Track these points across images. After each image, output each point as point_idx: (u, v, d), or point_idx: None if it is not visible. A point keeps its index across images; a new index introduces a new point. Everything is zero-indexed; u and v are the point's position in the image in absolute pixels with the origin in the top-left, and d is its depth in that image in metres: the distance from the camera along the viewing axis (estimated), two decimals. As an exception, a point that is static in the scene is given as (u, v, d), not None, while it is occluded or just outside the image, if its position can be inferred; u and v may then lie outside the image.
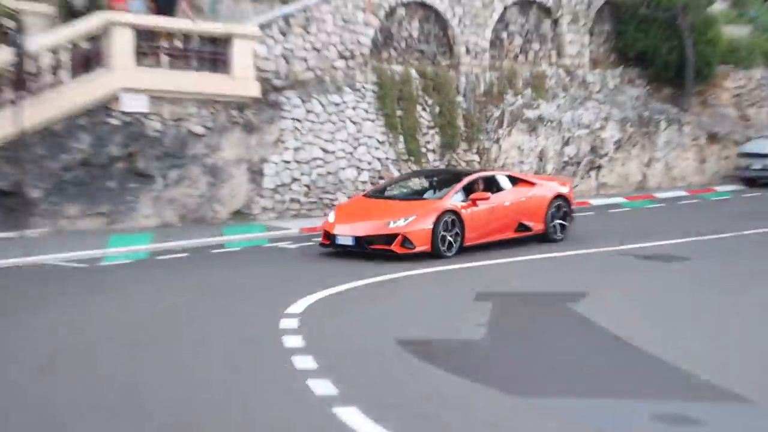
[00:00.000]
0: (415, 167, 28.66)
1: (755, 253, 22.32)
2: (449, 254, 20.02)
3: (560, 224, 22.51)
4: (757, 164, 33.60)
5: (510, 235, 21.78)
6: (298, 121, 26.84)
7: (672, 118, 34.31)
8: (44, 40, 23.75)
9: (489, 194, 21.39)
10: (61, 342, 14.04)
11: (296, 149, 26.80)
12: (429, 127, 29.10)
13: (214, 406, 11.10)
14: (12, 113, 22.32)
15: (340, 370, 12.16)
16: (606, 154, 32.69)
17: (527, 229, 21.79)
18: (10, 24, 23.58)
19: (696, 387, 11.76)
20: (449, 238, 20.10)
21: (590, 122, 32.20)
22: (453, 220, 20.17)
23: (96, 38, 24.10)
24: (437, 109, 29.22)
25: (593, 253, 21.91)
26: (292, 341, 13.76)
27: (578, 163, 32.05)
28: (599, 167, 32.56)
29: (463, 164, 29.52)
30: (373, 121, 28.15)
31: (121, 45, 23.89)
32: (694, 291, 17.98)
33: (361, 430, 9.71)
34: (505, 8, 31.10)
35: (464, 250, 20.47)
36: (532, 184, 22.66)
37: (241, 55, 25.72)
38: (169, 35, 25.30)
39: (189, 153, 25.08)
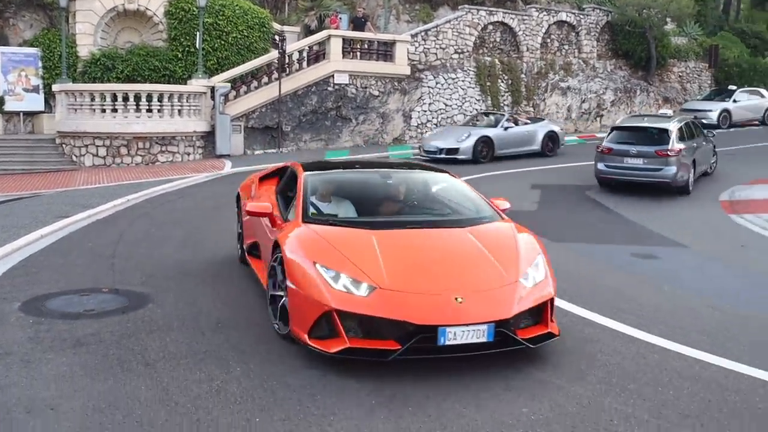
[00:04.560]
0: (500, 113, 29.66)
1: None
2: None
3: None
4: (690, 115, 33.10)
5: None
6: (431, 88, 27.61)
7: (643, 88, 34.31)
8: (294, 45, 25.24)
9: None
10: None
11: (429, 104, 27.57)
12: (505, 92, 29.57)
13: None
14: (277, 85, 23.86)
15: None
16: (605, 108, 32.92)
17: None
18: (277, 38, 24.45)
19: (656, 238, 12.40)
20: None
21: (597, 90, 32.59)
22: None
23: (321, 43, 25.26)
24: (509, 82, 29.68)
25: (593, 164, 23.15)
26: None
27: (590, 113, 32.45)
28: (602, 116, 32.83)
29: (524, 114, 29.48)
30: (473, 88, 28.67)
31: (335, 47, 25.09)
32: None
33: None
34: (549, 25, 31.19)
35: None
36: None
37: (400, 51, 26.52)
38: (361, 41, 26.20)
39: (370, 106, 26.20)
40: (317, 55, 25.46)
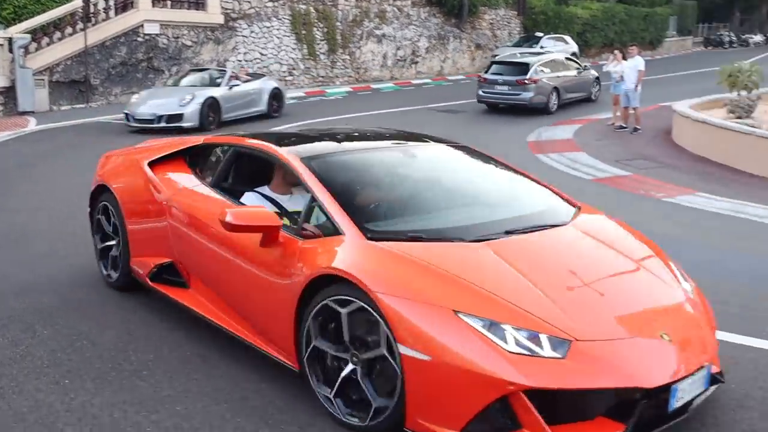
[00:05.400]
0: (313, 63, 29.15)
1: (500, 109, 22.31)
2: None
3: None
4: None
5: None
6: (246, 37, 27.34)
7: (456, 35, 35.32)
8: (99, -9, 24.10)
9: None
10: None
11: (245, 53, 27.33)
12: (321, 40, 29.64)
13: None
14: (82, 36, 22.87)
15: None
16: (420, 55, 33.73)
17: None
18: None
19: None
20: None
21: (411, 38, 33.24)
22: None
23: (128, -10, 24.32)
24: (325, 30, 29.77)
25: (415, 109, 22.53)
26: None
27: (405, 60, 33.07)
28: (417, 63, 33.62)
29: (340, 62, 30.60)
30: (289, 37, 28.59)
31: (144, -6, 24.31)
32: (467, 128, 18.84)
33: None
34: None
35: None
36: None
37: (213, -1, 26.14)
38: (171, -12, 25.43)
39: (183, 56, 25.51)
40: (125, 3, 24.42)
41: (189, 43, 25.76)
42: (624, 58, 18.88)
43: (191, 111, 18.10)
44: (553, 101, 22.13)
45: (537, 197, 5.64)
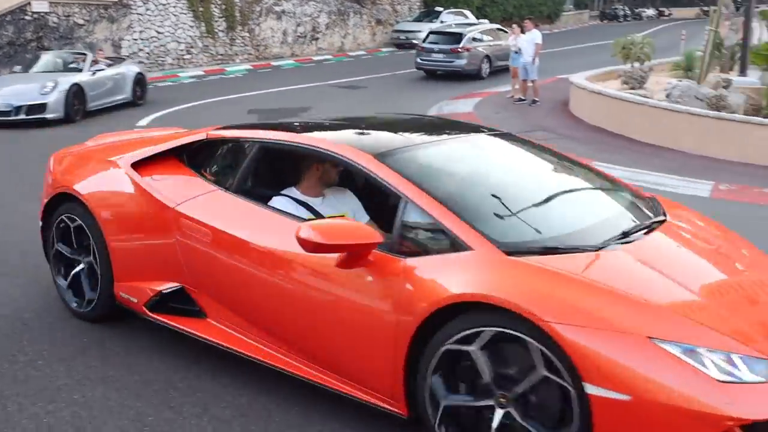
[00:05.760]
0: (212, 41, 28.60)
1: (401, 84, 23.16)
2: None
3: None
4: (402, 36, 34.60)
5: None
6: (141, 15, 26.53)
7: (356, 11, 35.12)
8: (-18, -32, 23.25)
9: None
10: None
11: (140, 32, 26.53)
12: (219, 17, 29.04)
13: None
14: (-35, 14, 22.31)
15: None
16: (321, 32, 33.49)
17: None
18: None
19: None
20: None
21: (311, 14, 32.95)
22: None
23: (14, -34, 23.40)
24: (223, 7, 29.17)
25: (313, 86, 22.25)
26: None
27: (306, 37, 32.79)
28: (317, 39, 33.36)
29: (240, 39, 30.01)
30: (186, 14, 27.90)
31: (30, -30, 23.23)
32: (369, 103, 18.64)
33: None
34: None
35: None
36: None
37: (104, -25, 25.12)
38: (59, -36, 24.58)
39: (75, 35, 24.63)
40: (10, -20, 23.40)
41: (81, 21, 24.87)
42: (522, 32, 19.14)
43: (55, 100, 15.80)
44: (485, 68, 24.38)
45: (618, 190, 4.91)
